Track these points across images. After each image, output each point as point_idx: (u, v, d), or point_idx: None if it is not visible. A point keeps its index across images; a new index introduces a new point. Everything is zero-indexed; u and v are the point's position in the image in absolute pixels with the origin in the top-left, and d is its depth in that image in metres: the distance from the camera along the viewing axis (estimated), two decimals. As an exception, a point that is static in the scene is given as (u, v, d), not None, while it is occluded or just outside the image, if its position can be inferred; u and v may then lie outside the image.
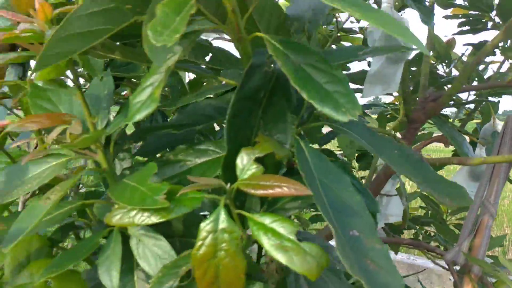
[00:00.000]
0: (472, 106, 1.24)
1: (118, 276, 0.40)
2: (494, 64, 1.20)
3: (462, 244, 0.87)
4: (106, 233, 0.43)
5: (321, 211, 0.38)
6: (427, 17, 0.58)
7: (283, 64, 0.31)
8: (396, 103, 1.31)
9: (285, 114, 0.39)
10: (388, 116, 1.25)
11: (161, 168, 0.47)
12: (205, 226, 0.37)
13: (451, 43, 1.15)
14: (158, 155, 0.55)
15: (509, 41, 0.96)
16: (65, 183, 0.42)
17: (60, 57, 0.35)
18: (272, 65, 0.39)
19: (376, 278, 0.36)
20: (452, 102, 1.15)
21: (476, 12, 0.99)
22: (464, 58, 1.20)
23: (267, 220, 0.37)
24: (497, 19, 0.97)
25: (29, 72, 0.63)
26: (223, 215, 0.37)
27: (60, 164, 0.44)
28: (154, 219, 0.38)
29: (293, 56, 0.32)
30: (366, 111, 1.22)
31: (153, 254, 0.41)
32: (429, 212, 1.38)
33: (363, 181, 1.12)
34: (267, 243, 0.36)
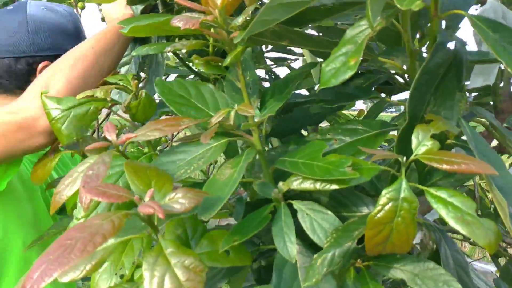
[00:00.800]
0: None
1: (295, 247, 0.42)
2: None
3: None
4: (272, 207, 0.46)
5: (489, 186, 0.40)
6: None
7: (485, 38, 0.34)
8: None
9: (454, 92, 0.42)
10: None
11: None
12: (386, 193, 0.39)
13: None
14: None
15: None
16: (235, 162, 0.45)
17: (265, 24, 0.39)
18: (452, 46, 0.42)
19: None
20: None
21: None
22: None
23: (443, 194, 0.39)
24: None
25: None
26: (404, 186, 0.39)
27: (220, 145, 0.47)
28: (335, 186, 0.41)
29: (492, 33, 0.35)
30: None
31: (321, 227, 0.44)
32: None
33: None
34: (447, 214, 0.38)
